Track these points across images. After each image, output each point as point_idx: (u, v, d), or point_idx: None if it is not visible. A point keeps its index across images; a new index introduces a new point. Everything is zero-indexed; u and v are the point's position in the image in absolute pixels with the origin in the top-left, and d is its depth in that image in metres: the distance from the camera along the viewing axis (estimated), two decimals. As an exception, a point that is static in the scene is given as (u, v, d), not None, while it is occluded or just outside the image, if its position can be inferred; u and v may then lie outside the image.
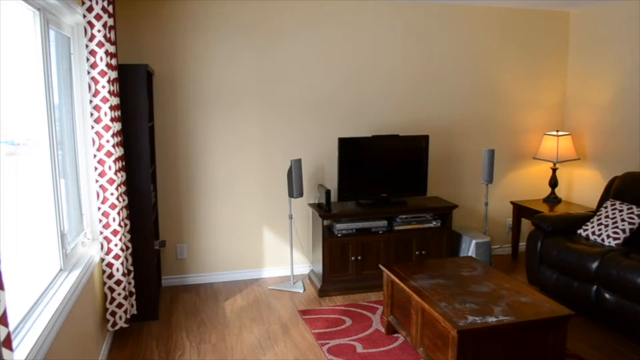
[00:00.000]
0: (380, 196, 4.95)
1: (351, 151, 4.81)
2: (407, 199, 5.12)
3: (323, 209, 4.69)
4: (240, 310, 4.38)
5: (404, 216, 4.85)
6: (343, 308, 4.38)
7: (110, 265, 3.53)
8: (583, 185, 5.68)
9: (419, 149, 5.00)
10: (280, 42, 4.85)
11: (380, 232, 4.79)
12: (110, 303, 3.57)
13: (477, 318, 2.95)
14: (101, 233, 3.49)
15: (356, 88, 5.11)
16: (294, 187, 4.58)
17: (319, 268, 4.79)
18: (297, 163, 4.57)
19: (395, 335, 3.89)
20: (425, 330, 3.29)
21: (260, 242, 5.08)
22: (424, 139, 5.00)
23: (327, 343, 3.76)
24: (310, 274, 5.10)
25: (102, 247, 3.51)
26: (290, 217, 4.79)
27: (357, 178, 4.87)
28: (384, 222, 4.82)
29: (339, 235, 4.68)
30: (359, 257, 4.72)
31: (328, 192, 4.68)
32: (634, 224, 4.28)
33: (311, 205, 4.96)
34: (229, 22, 4.70)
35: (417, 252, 4.88)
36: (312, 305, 4.48)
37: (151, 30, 4.54)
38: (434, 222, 4.93)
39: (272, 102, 4.92)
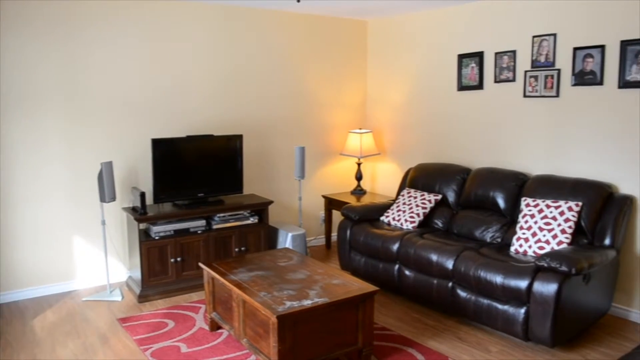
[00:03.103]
0: (197, 196, 4.96)
1: (165, 152, 4.75)
2: (224, 197, 5.20)
3: (138, 212, 4.56)
4: (52, 326, 4.08)
5: (221, 214, 4.92)
6: (165, 311, 4.32)
7: None
8: (384, 177, 6.27)
9: (233, 148, 5.11)
10: (89, 41, 4.60)
11: (199, 231, 4.80)
12: None
13: (294, 303, 3.14)
14: None
15: (170, 88, 5.05)
16: (106, 191, 4.39)
17: (137, 273, 4.65)
18: (108, 166, 4.39)
19: (220, 330, 3.95)
20: (247, 321, 3.40)
21: (70, 251, 4.77)
22: (238, 138, 5.12)
23: (150, 347, 3.69)
24: (128, 280, 4.93)
25: None
26: (103, 222, 4.58)
27: (173, 179, 4.82)
28: (203, 222, 4.84)
29: (157, 237, 4.59)
30: (179, 259, 4.68)
31: (143, 195, 4.57)
32: (426, 208, 4.85)
33: (125, 209, 4.79)
34: (32, 18, 4.33)
35: (236, 249, 4.98)
36: (132, 312, 4.34)
37: None
38: (252, 219, 5.07)
39: (79, 103, 4.64)
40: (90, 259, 4.87)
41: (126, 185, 4.94)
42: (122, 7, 4.74)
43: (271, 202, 5.18)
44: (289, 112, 5.82)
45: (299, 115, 5.90)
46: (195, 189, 4.95)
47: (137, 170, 4.98)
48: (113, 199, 4.46)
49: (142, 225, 4.64)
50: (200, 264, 3.97)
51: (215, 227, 4.88)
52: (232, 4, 5.22)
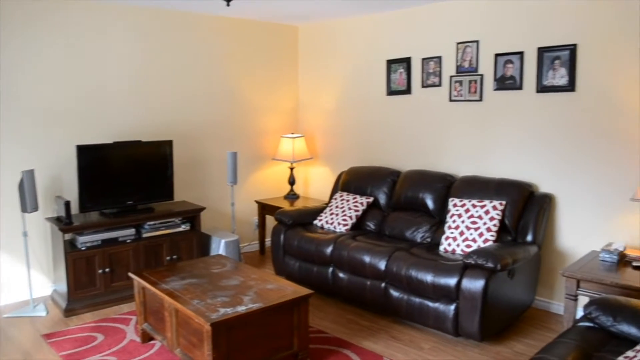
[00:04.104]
0: (125, 204, 4.81)
1: (92, 159, 4.58)
2: (155, 205, 5.07)
3: (63, 222, 4.38)
4: (-31, 345, 3.86)
5: (151, 222, 4.80)
6: (93, 325, 4.16)
7: None
8: (317, 181, 6.31)
9: (163, 154, 5.00)
10: (6, 44, 4.38)
11: (129, 241, 4.66)
12: None
13: (228, 309, 3.10)
14: None
15: (95, 92, 4.88)
16: (27, 201, 4.18)
17: (62, 286, 4.45)
18: (30, 174, 4.19)
19: (152, 342, 3.84)
20: (180, 330, 3.33)
21: (-11, 266, 4.52)
22: (168, 144, 5.02)
23: (77, 362, 3.55)
24: (53, 294, 4.71)
25: None
26: (25, 234, 4.36)
27: (99, 187, 4.65)
28: (132, 231, 4.70)
29: (83, 248, 4.42)
30: (107, 269, 4.52)
31: (68, 204, 4.38)
32: (358, 210, 4.92)
33: (49, 219, 4.58)
34: None
35: (168, 257, 4.87)
36: (57, 327, 4.15)
37: None
38: (183, 226, 4.98)
39: (-6, 109, 4.42)
40: (11, 273, 4.62)
41: (50, 194, 4.73)
42: (42, 9, 4.54)
43: (203, 208, 5.11)
44: (220, 117, 5.76)
45: (230, 120, 5.84)
46: (124, 196, 4.81)
47: (62, 178, 4.78)
48: (35, 209, 4.26)
49: (68, 236, 4.46)
50: (130, 274, 3.85)
51: (145, 235, 4.76)
52: (159, 6, 5.11)
